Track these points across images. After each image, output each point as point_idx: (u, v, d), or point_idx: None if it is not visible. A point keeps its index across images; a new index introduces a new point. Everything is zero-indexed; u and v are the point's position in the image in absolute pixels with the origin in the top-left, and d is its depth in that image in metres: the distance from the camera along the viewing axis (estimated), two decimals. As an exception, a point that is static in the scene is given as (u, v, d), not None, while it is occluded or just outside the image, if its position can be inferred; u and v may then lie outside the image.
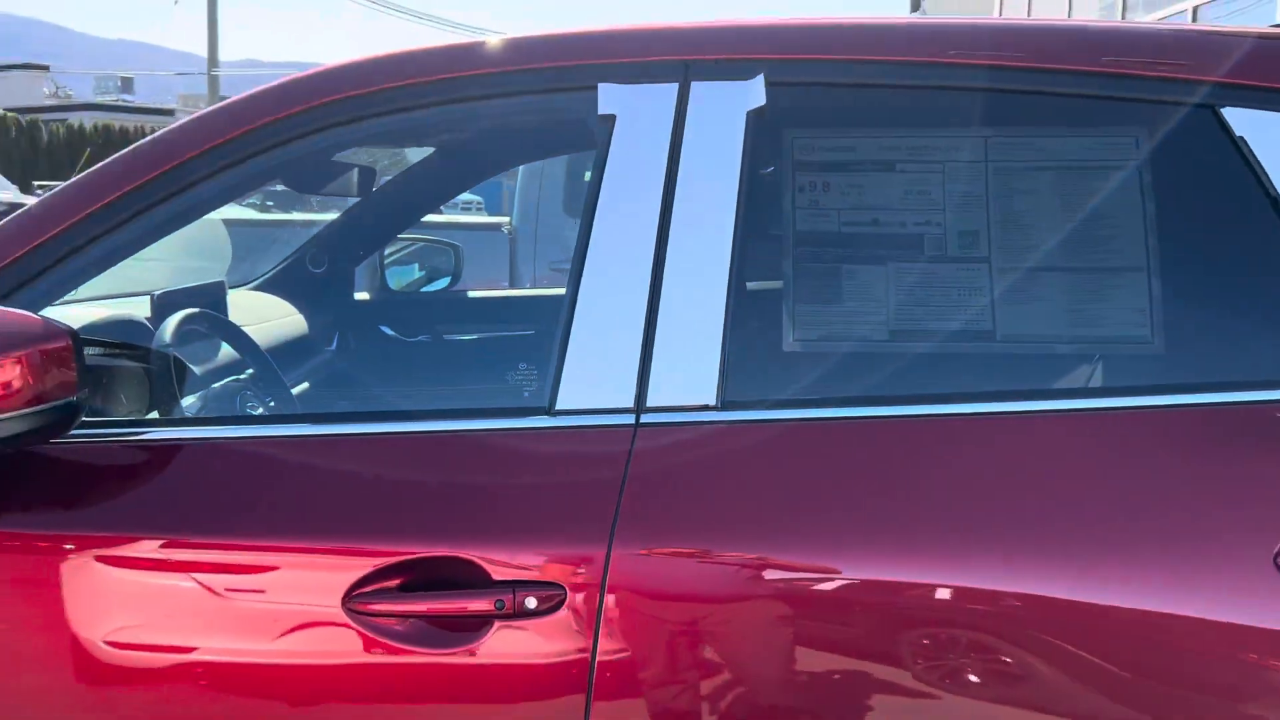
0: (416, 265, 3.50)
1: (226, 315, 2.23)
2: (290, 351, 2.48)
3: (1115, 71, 1.33)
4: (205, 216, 1.71)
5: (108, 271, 1.48)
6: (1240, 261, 1.34)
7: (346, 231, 2.80)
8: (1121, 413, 1.27)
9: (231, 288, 2.76)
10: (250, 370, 1.95)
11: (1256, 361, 1.30)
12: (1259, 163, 1.30)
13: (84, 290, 1.76)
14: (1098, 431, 1.26)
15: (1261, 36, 1.38)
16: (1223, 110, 1.32)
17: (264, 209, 5.26)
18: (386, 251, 3.06)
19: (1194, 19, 8.81)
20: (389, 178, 2.67)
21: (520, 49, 1.45)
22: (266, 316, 2.55)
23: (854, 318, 1.37)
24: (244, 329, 2.03)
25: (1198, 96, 1.33)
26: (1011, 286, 1.35)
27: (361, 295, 2.89)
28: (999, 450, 1.26)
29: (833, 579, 1.22)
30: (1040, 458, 1.25)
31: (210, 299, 2.17)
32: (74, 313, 1.84)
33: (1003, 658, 1.19)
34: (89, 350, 1.38)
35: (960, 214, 1.36)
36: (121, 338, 1.75)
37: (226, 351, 1.96)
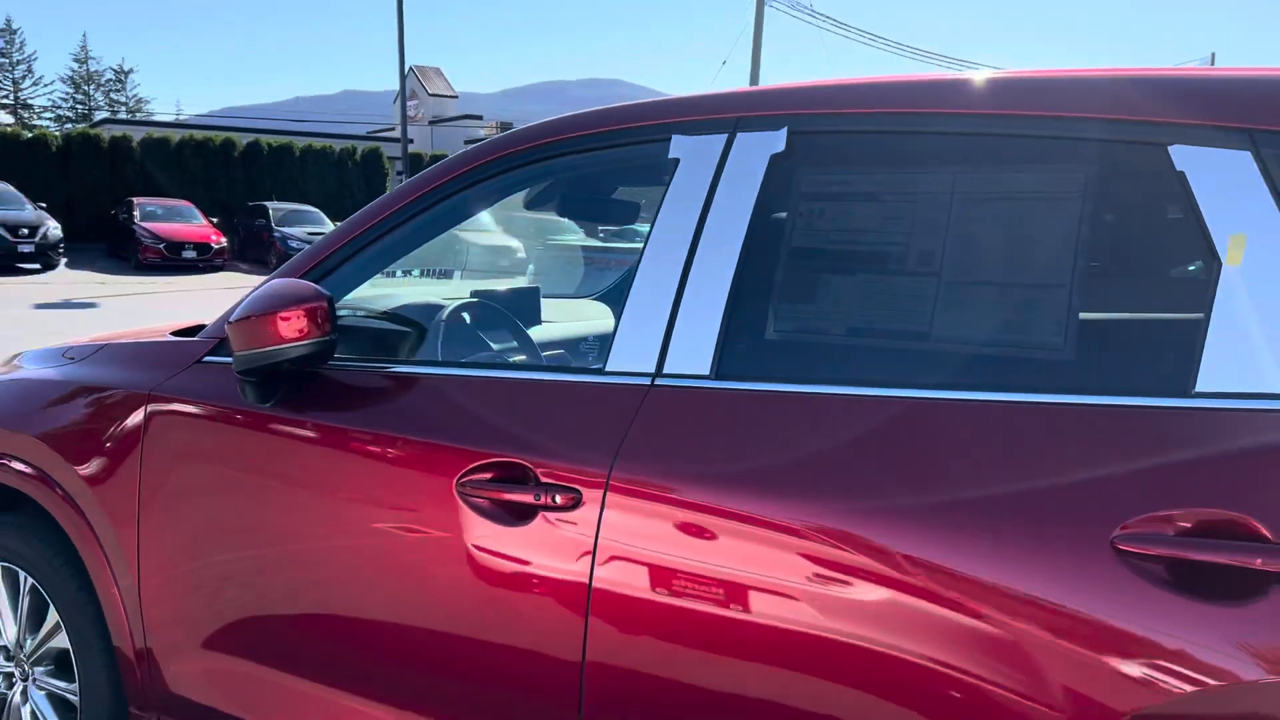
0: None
1: (538, 313, 2.97)
2: (599, 343, 3.17)
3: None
4: (567, 244, 2.43)
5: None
6: (1151, 281, 1.46)
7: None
8: (1016, 406, 1.47)
9: (577, 298, 3.55)
10: (515, 343, 2.65)
11: (1150, 372, 1.42)
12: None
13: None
14: (994, 420, 1.48)
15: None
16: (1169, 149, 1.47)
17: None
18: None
19: None
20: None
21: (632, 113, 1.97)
22: (587, 318, 3.28)
23: (821, 316, 1.70)
24: (509, 315, 2.72)
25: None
26: (949, 297, 1.59)
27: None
28: (906, 426, 1.53)
29: (758, 511, 1.58)
30: (959, 438, 1.50)
31: (521, 298, 2.92)
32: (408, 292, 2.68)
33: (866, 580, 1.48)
34: (358, 313, 2.15)
35: (920, 237, 1.63)
36: (418, 315, 2.50)
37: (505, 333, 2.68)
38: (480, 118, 64.81)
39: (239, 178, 28.37)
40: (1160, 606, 1.31)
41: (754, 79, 33.83)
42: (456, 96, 68.50)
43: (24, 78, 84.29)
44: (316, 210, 25.67)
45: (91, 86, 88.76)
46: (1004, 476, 1.44)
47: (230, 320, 2.05)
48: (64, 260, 22.42)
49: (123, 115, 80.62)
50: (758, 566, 1.57)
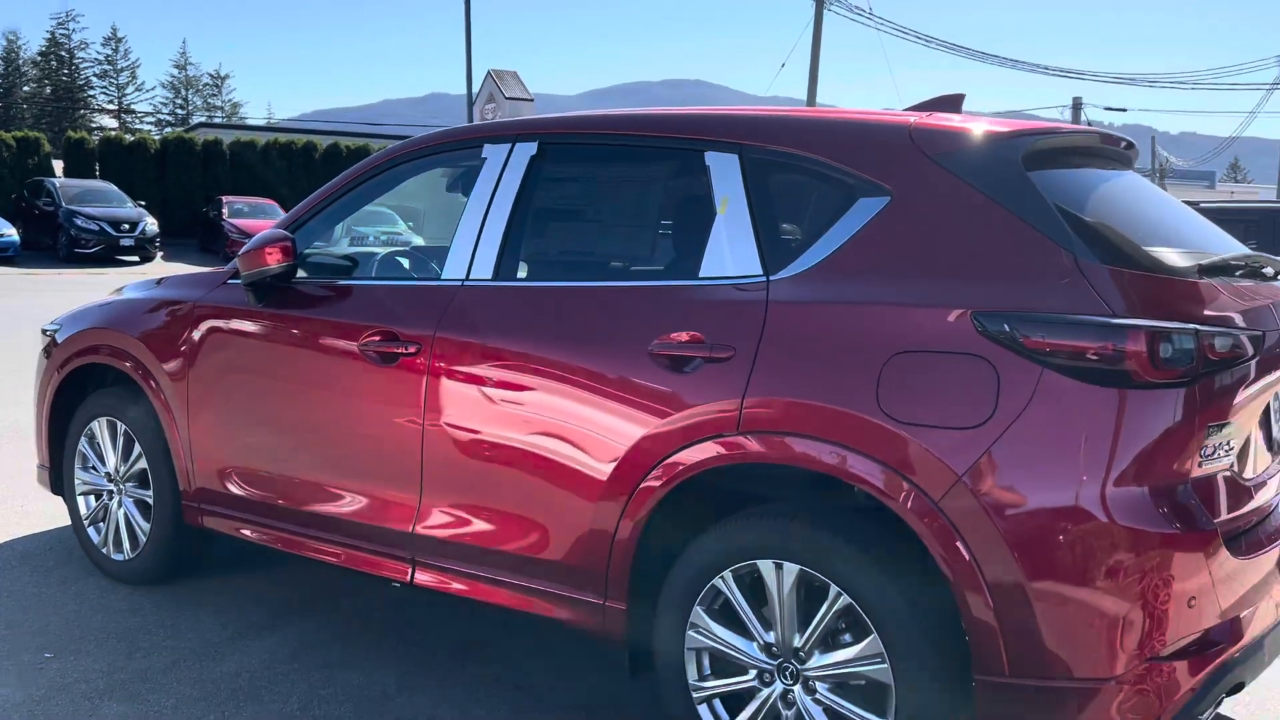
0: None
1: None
2: None
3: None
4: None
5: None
6: (692, 222, 2.80)
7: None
8: (624, 288, 2.80)
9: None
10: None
11: (684, 268, 2.75)
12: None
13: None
14: (613, 295, 2.80)
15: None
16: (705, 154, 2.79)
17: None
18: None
19: None
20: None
21: (459, 133, 3.33)
22: None
23: (546, 246, 3.06)
24: (421, 256, 4.11)
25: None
26: (601, 233, 2.95)
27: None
28: (573, 300, 2.87)
29: (501, 347, 2.93)
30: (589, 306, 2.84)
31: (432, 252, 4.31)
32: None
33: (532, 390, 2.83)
34: (321, 254, 3.57)
35: (593, 202, 2.99)
36: (354, 256, 3.89)
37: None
38: (554, 120, 67.23)
39: (319, 177, 30.44)
40: (666, 379, 2.62)
41: (812, 79, 35.11)
42: (532, 100, 70.54)
43: (128, 84, 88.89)
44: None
45: (190, 91, 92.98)
46: (612, 320, 2.77)
47: (239, 254, 3.47)
48: (160, 253, 24.66)
49: (219, 119, 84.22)
50: (502, 373, 2.93)
